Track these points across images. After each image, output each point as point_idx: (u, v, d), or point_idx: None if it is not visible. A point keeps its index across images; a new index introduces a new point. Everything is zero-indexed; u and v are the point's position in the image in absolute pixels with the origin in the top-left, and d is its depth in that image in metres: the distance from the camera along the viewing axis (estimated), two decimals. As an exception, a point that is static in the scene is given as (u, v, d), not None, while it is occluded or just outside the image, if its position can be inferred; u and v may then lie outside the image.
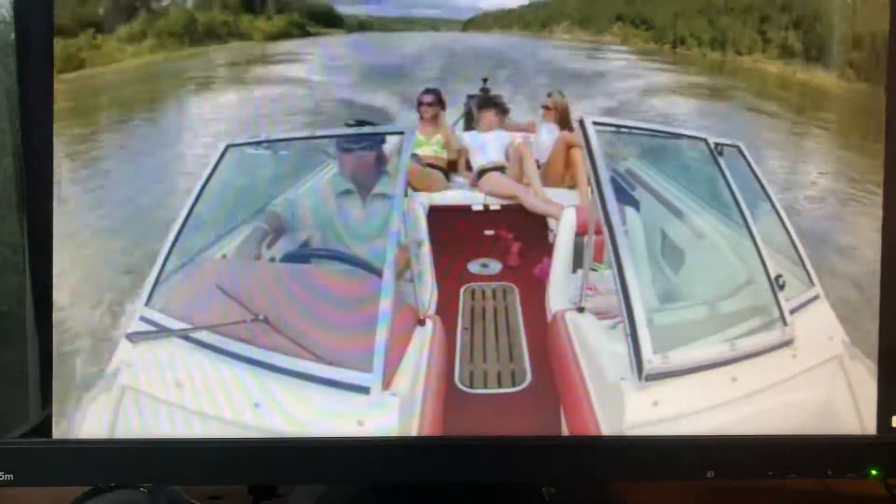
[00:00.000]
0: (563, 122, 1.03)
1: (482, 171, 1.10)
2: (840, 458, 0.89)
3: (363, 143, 0.98)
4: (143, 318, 0.89)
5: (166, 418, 0.86)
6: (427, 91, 1.00)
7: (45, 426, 0.86)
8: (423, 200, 1.01)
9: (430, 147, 1.07)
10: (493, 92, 1.04)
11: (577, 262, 1.03)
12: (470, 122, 1.09)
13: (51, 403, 0.86)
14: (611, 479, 1.02)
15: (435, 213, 1.03)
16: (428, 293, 0.97)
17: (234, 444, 0.85)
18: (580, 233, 1.02)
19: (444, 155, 1.09)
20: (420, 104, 1.01)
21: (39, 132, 0.85)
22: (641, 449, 0.87)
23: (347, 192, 0.99)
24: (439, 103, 1.03)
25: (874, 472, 0.89)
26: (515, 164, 1.09)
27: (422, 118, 1.03)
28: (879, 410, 0.91)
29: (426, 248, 0.97)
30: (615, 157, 0.98)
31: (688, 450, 0.87)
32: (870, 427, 0.91)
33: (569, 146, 1.04)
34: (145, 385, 0.87)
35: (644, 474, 0.90)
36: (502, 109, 1.07)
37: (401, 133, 0.96)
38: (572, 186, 1.04)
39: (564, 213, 1.03)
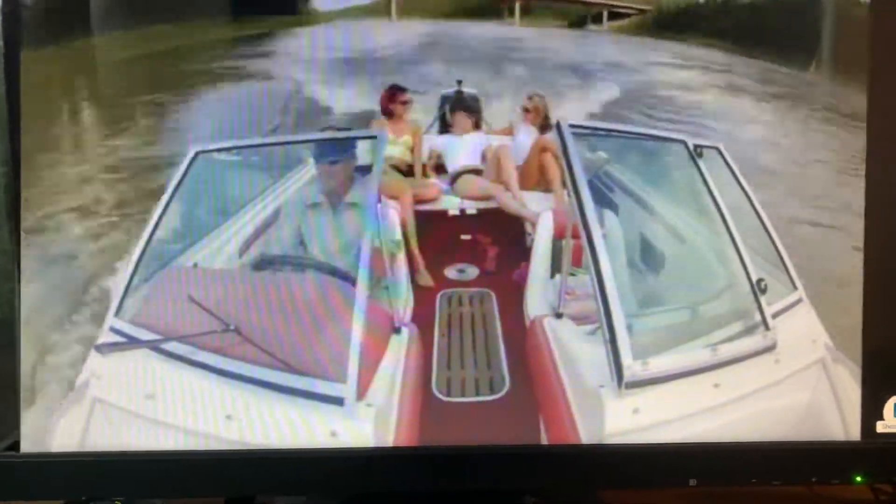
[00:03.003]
0: (543, 124, 1.02)
1: (458, 175, 1.09)
2: (824, 464, 0.89)
3: (340, 155, 0.96)
4: (112, 329, 0.88)
5: (137, 431, 0.85)
6: (393, 87, 0.96)
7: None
8: (396, 206, 0.99)
9: (397, 147, 1.05)
10: (468, 93, 1.03)
11: (556, 267, 1.01)
12: (444, 125, 1.08)
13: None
14: (591, 488, 1.00)
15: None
16: (403, 300, 0.96)
17: (206, 457, 0.84)
18: (558, 237, 1.00)
19: (408, 158, 1.07)
20: (388, 101, 0.98)
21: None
22: (622, 457, 0.86)
23: (319, 202, 0.98)
24: (406, 100, 0.99)
25: (859, 479, 0.88)
26: (493, 166, 1.07)
27: (390, 116, 1.00)
28: (864, 416, 0.90)
29: (401, 255, 0.96)
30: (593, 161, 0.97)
31: (670, 457, 0.86)
32: (854, 431, 0.90)
33: (543, 149, 1.02)
34: (115, 397, 0.85)
35: (625, 482, 0.89)
36: (476, 111, 1.05)
37: (373, 138, 0.94)
38: (547, 189, 1.03)
39: (541, 217, 1.01)
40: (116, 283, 0.88)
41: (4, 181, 0.87)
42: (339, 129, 0.94)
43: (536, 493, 0.97)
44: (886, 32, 0.89)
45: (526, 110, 1.03)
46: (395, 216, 0.97)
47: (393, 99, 0.97)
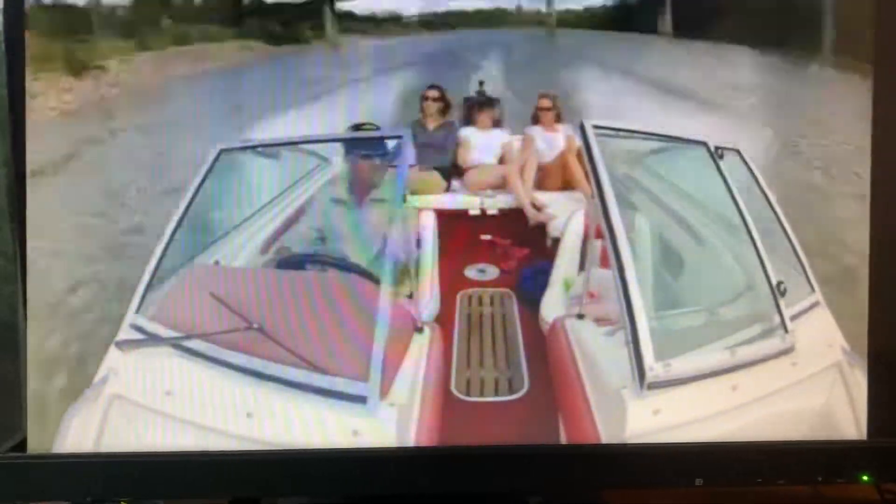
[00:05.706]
0: (555, 123, 1.03)
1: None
2: (830, 463, 0.88)
3: (374, 150, 0.96)
4: (133, 326, 0.87)
5: (156, 428, 0.84)
6: (431, 87, 1.00)
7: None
8: (418, 205, 0.99)
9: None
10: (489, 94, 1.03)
11: (581, 267, 1.01)
12: (468, 124, 1.08)
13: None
14: (597, 488, 1.00)
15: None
16: (426, 300, 0.96)
17: (220, 457, 0.83)
18: (586, 237, 1.00)
19: None
20: (424, 99, 1.01)
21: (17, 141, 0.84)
22: (631, 457, 0.86)
23: (344, 197, 0.97)
24: (443, 99, 1.02)
25: (865, 478, 0.88)
26: (514, 164, 1.08)
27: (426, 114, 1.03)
28: (870, 415, 0.90)
29: (428, 255, 0.95)
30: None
31: (677, 457, 0.86)
32: (864, 432, 0.90)
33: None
34: (134, 394, 0.85)
35: (633, 482, 0.89)
36: (499, 110, 1.05)
37: (399, 137, 0.94)
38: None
39: (572, 217, 1.01)
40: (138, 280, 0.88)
41: (5, 181, 0.86)
42: (366, 128, 0.93)
43: (540, 492, 0.97)
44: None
45: (539, 111, 1.04)
46: (423, 216, 0.97)
47: (423, 98, 1.01)
